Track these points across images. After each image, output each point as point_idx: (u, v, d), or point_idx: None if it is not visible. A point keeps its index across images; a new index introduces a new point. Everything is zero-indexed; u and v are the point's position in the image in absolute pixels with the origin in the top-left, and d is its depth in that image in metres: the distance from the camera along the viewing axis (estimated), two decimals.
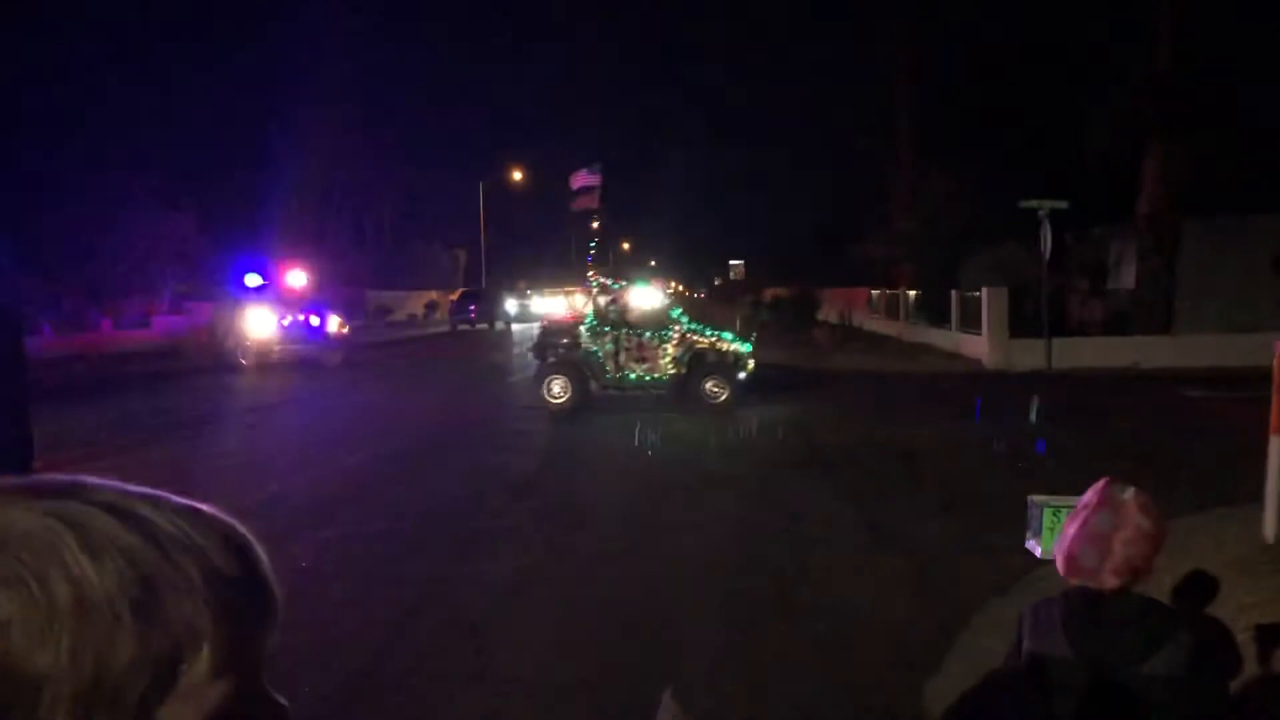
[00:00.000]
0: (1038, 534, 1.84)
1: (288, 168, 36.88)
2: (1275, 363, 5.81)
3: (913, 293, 28.52)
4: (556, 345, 14.83)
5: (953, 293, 23.40)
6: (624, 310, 14.77)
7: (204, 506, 0.61)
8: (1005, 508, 6.85)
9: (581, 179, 17.81)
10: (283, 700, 0.62)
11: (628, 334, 14.39)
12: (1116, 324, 21.60)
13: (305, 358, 22.46)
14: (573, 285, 69.75)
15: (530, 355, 15.49)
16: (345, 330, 24.51)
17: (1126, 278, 22.99)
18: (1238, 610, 4.64)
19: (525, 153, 76.23)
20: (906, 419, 13.22)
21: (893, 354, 23.50)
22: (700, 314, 20.13)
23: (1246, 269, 21.14)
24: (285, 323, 22.75)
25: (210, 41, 39.69)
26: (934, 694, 4.43)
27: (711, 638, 5.25)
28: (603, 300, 14.77)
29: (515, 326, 42.05)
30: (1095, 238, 25.17)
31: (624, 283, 15.29)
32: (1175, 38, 20.40)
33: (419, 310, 50.60)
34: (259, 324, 22.58)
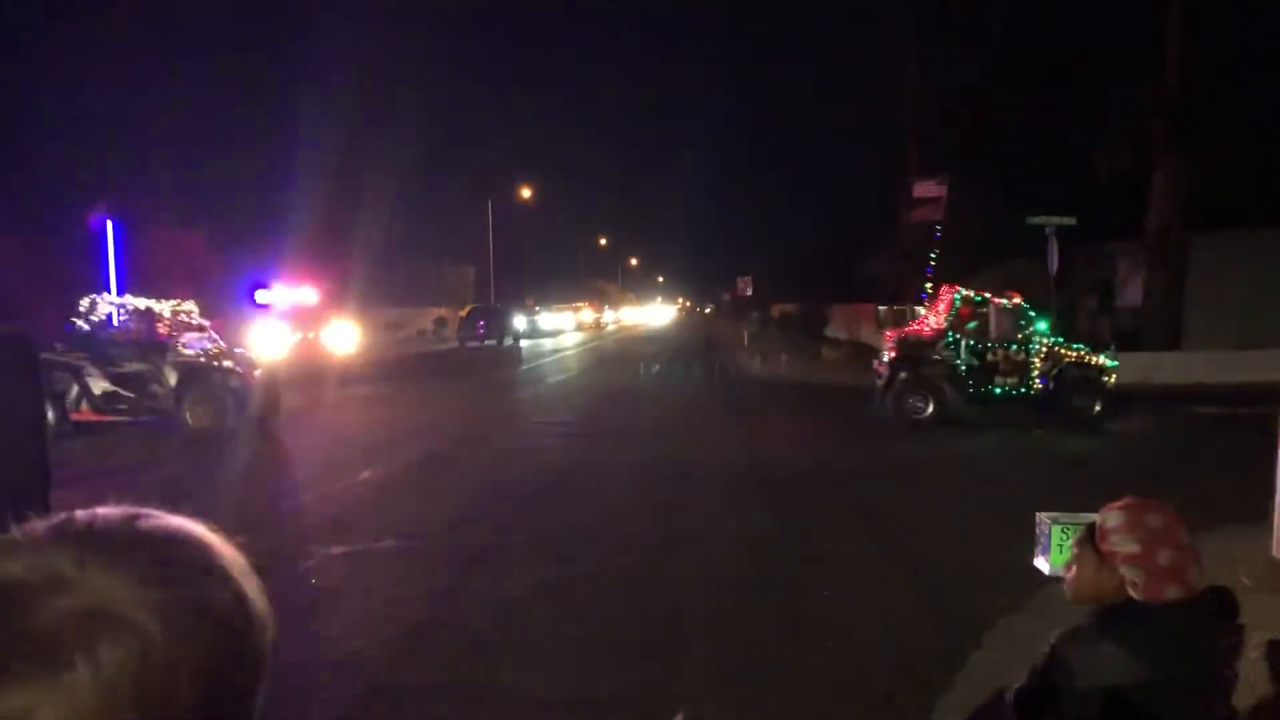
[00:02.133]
0: (1046, 551, 1.86)
1: (297, 185, 37.13)
2: None
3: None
4: (915, 359, 14.35)
5: None
6: (987, 323, 14.44)
7: (220, 557, 0.63)
8: None
9: (925, 189, 17.14)
10: None
11: (993, 347, 14.15)
12: (1125, 340, 21.54)
13: (315, 374, 22.53)
14: (581, 301, 69.96)
15: (875, 368, 15.00)
16: (355, 347, 24.61)
17: (1135, 294, 22.91)
18: (1251, 627, 4.62)
19: (533, 169, 76.70)
20: None
21: None
22: (707, 329, 20.04)
23: (1258, 283, 20.97)
24: (295, 340, 22.87)
25: (220, 59, 40.05)
26: None
27: None
28: (965, 313, 14.45)
29: (524, 343, 42.10)
30: (1104, 253, 25.11)
31: (987, 295, 14.76)
32: (1183, 52, 20.42)
33: (428, 327, 50.71)
34: (269, 341, 22.68)
